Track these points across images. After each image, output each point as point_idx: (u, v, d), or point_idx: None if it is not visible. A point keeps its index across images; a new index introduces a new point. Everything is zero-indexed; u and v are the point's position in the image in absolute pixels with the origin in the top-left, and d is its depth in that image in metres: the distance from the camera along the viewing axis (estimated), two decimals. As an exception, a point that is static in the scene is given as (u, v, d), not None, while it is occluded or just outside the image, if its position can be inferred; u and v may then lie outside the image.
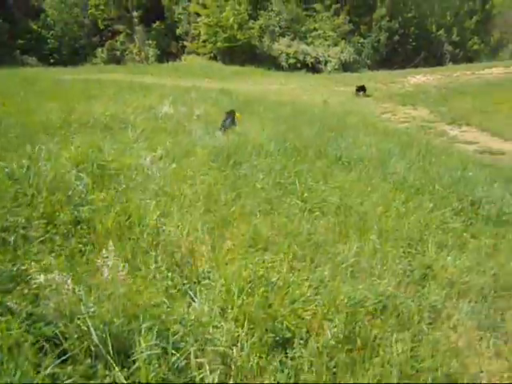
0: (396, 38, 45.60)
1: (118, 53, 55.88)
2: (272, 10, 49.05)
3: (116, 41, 57.00)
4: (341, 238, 4.43)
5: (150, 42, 53.08)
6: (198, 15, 46.54)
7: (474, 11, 51.73)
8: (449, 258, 4.30)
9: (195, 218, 4.19)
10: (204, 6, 45.82)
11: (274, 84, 27.35)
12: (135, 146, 6.67)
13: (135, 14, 55.04)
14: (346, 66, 42.30)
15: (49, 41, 59.22)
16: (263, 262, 3.64)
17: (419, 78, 31.20)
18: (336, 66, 42.64)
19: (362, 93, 23.92)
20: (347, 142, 9.18)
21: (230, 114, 9.86)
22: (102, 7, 56.86)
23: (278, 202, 5.06)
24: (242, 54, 43.65)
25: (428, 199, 5.97)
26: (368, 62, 44.23)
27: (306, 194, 5.36)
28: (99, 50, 57.17)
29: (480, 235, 5.09)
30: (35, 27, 59.42)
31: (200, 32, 46.25)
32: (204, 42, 45.94)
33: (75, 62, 48.58)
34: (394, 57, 44.65)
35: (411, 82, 29.24)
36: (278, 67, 43.37)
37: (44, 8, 60.00)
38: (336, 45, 44.35)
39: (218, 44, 44.17)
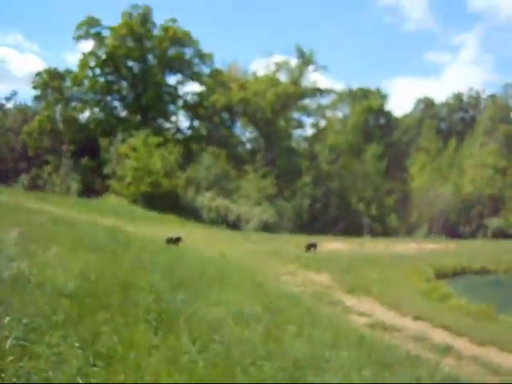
0: (318, 205, 46.66)
1: (42, 182, 53.91)
2: (202, 163, 49.82)
3: (43, 170, 55.33)
4: None
5: (75, 176, 51.79)
6: (127, 157, 46.30)
7: (394, 190, 54.64)
8: None
9: None
10: (134, 150, 45.80)
11: (182, 233, 25.83)
12: None
13: (66, 147, 54.38)
14: (266, 227, 41.95)
15: (-28, 160, 57.14)
16: None
17: (334, 244, 30.78)
18: (256, 226, 42.24)
19: (312, 249, 25.33)
20: (193, 297, 7.36)
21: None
22: (34, 135, 56.05)
23: None
24: (164, 201, 42.80)
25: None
26: (289, 225, 44.26)
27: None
28: (23, 176, 55.21)
29: None
30: (-40, 146, 57.71)
31: (126, 174, 45.60)
32: (129, 184, 45.14)
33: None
34: (314, 223, 45.12)
35: (324, 248, 28.52)
36: (199, 220, 42.58)
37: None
38: (259, 205, 44.52)
39: (142, 188, 43.45)
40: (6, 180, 53.27)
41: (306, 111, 58.51)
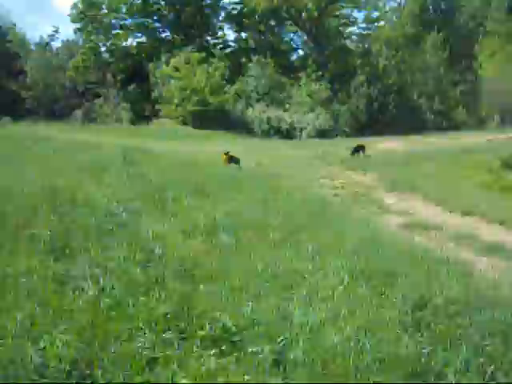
0: (375, 105, 43.42)
1: (95, 115, 53.92)
2: (251, 75, 47.52)
3: (95, 103, 55.24)
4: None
5: (125, 104, 51.24)
6: (172, 78, 44.88)
7: (460, 81, 49.96)
8: None
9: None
10: (176, 69, 44.17)
11: (222, 146, 24.39)
12: None
13: (110, 78, 53.70)
14: (322, 133, 39.59)
15: (27, 101, 57.88)
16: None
17: (389, 143, 28.33)
18: (311, 133, 40.03)
19: (359, 153, 22.02)
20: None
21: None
22: (80, 70, 55.46)
23: None
24: (213, 118, 41.39)
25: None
26: (346, 129, 41.61)
27: None
28: (76, 111, 55.54)
29: None
30: (14, 87, 58.39)
31: (173, 95, 44.34)
32: (176, 105, 43.97)
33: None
34: (374, 124, 42.06)
35: (379, 148, 26.22)
36: (251, 133, 40.98)
37: (25, 69, 59.08)
38: (313, 111, 42.04)
39: (189, 107, 42.12)
40: (62, 117, 53.73)
41: (356, 5, 53.54)
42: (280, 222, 6.40)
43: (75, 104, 57.58)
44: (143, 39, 58.55)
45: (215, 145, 25.22)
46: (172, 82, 44.52)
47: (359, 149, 22.17)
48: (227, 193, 8.66)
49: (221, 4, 59.23)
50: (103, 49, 57.84)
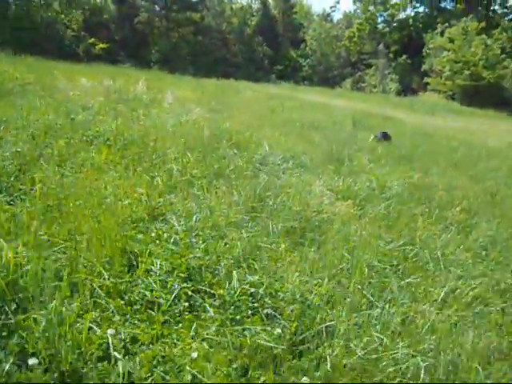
0: None
1: (364, 85, 54.97)
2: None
3: (366, 74, 56.27)
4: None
5: (394, 76, 50.93)
6: (445, 49, 42.79)
7: None
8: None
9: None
10: (451, 41, 41.86)
11: (473, 124, 22.81)
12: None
13: (383, 48, 53.70)
14: None
15: (303, 69, 61.95)
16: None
17: None
18: None
19: None
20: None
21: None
22: (355, 40, 56.93)
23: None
24: (485, 94, 38.36)
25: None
26: None
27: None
28: (347, 80, 57.45)
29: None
30: (294, 55, 63.04)
31: (443, 68, 42.36)
32: (446, 79, 41.93)
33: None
34: None
35: None
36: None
37: (305, 38, 63.13)
38: None
39: (458, 82, 39.74)
40: (333, 85, 56.27)
41: None
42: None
43: (347, 73, 59.62)
44: (421, 9, 56.81)
45: (474, 122, 23.69)
46: (444, 53, 42.38)
47: None
48: (437, 163, 8.37)
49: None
50: (380, 19, 58.00)
